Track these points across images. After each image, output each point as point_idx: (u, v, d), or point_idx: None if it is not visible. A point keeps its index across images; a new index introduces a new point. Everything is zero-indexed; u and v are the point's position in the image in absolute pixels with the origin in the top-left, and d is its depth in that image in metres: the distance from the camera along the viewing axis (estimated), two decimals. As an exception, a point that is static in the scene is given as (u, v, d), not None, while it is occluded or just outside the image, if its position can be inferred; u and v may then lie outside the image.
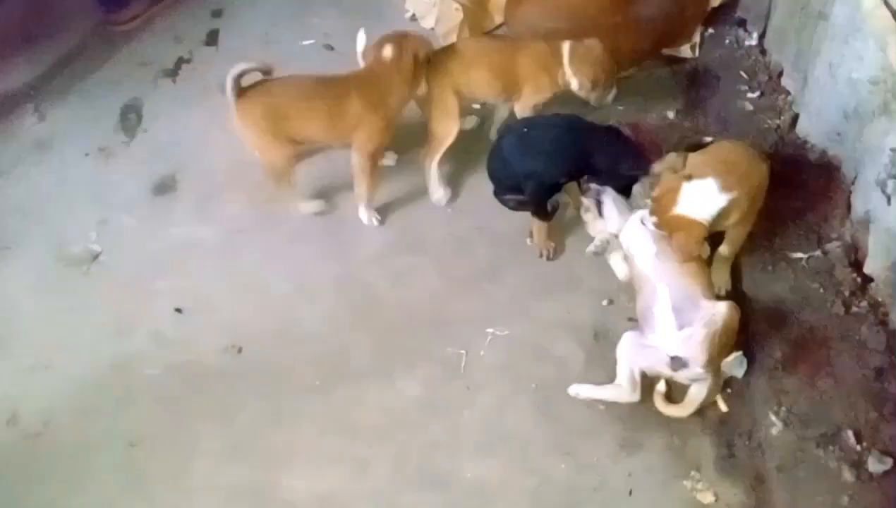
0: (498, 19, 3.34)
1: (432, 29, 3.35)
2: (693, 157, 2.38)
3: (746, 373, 2.31)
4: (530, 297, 2.64)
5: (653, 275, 2.35)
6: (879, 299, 2.36)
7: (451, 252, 2.79)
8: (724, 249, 2.47)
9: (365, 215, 2.86)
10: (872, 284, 2.39)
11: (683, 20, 3.12)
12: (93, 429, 2.49)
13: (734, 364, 2.29)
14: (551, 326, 2.56)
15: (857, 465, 2.09)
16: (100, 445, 2.45)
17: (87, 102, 3.36)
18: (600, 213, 2.59)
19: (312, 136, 2.78)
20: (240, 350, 2.60)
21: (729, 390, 2.34)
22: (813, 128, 2.72)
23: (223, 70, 3.34)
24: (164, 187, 3.06)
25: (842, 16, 2.42)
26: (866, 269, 2.41)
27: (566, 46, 2.73)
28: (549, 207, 2.68)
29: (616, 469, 2.26)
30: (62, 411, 2.53)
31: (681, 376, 2.27)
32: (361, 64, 2.81)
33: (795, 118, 2.82)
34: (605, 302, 2.59)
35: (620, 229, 2.54)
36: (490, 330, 2.57)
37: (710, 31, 3.20)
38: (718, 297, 2.36)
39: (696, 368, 2.20)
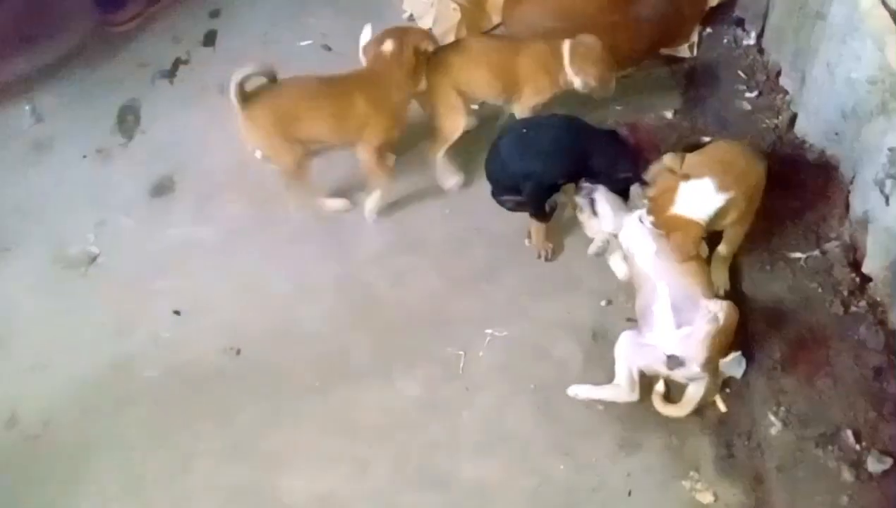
0: (496, 19, 3.34)
1: (430, 29, 3.34)
2: (690, 157, 2.38)
3: (745, 373, 2.31)
4: (529, 298, 2.64)
5: (653, 274, 2.35)
6: (878, 299, 2.36)
7: (449, 252, 2.79)
8: (722, 249, 2.47)
9: (372, 205, 2.84)
10: (871, 284, 2.39)
11: (681, 19, 3.11)
12: (92, 430, 2.49)
13: (733, 364, 2.30)
14: (550, 327, 2.56)
15: (857, 465, 2.10)
16: (99, 446, 2.45)
17: (84, 103, 3.35)
18: (594, 212, 2.59)
19: (320, 137, 2.77)
20: (238, 351, 2.60)
21: (728, 390, 2.34)
22: (811, 128, 2.72)
23: (221, 71, 3.35)
24: (163, 188, 3.06)
25: (840, 15, 2.42)
26: (865, 269, 2.41)
27: (566, 47, 2.73)
28: (546, 208, 2.68)
29: (615, 470, 2.26)
30: (61, 412, 2.53)
31: (678, 375, 2.26)
32: (363, 60, 2.80)
33: (794, 118, 2.82)
34: (603, 303, 2.59)
35: (616, 226, 2.54)
36: (489, 330, 2.57)
37: (708, 30, 3.20)
38: (717, 297, 2.35)
39: (694, 367, 2.20)
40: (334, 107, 2.69)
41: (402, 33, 2.73)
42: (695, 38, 3.18)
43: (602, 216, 2.56)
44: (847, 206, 2.53)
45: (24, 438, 2.48)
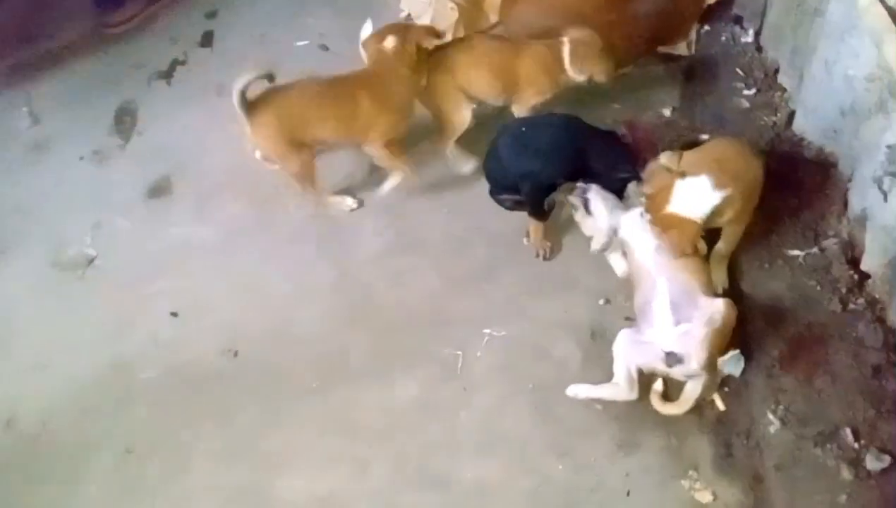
0: (493, 18, 3.33)
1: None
2: (687, 155, 2.38)
3: (744, 372, 2.31)
4: (527, 297, 2.64)
5: (652, 270, 2.35)
6: (877, 296, 2.36)
7: (448, 252, 2.79)
8: (720, 247, 2.46)
9: (389, 184, 2.86)
10: (870, 281, 2.39)
11: (679, 17, 3.11)
12: (91, 432, 2.49)
13: (731, 362, 2.30)
14: (548, 326, 2.55)
15: (856, 463, 2.09)
16: (98, 447, 2.45)
17: (81, 104, 3.36)
18: (588, 211, 2.58)
19: (328, 139, 2.78)
20: (236, 352, 2.60)
21: (726, 389, 2.34)
22: (809, 126, 2.72)
23: (218, 71, 3.37)
24: (160, 189, 3.06)
25: (837, 13, 2.41)
26: (863, 266, 2.41)
27: (566, 50, 2.75)
28: (545, 206, 2.68)
29: (614, 470, 2.25)
30: (60, 413, 2.53)
31: (676, 372, 2.26)
32: (363, 55, 2.79)
33: (792, 115, 2.81)
34: (601, 302, 2.58)
35: (612, 224, 2.53)
36: (487, 330, 2.56)
37: (706, 28, 3.19)
38: (716, 295, 2.35)
39: (693, 365, 2.20)
40: (340, 109, 2.69)
41: (403, 30, 2.73)
42: (692, 35, 3.18)
43: (597, 215, 2.55)
44: (845, 204, 2.52)
45: (23, 439, 2.48)
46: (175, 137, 3.21)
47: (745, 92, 2.95)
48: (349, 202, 2.90)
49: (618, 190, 2.59)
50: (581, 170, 2.60)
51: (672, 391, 2.33)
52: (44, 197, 3.07)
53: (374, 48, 2.72)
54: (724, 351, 2.26)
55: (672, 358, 2.21)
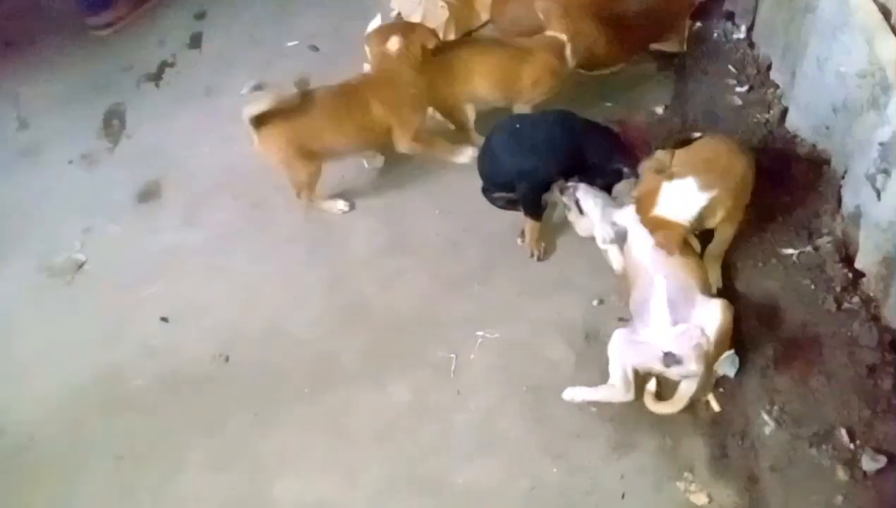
0: (484, 16, 3.32)
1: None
2: (676, 155, 2.36)
3: (738, 372, 2.28)
4: (520, 298, 2.62)
5: (650, 267, 2.33)
6: (871, 294, 2.34)
7: (441, 254, 2.77)
8: (713, 247, 2.45)
9: (464, 157, 2.86)
10: (864, 279, 2.37)
11: (670, 14, 3.09)
12: (82, 439, 2.48)
13: (726, 363, 2.27)
14: (542, 327, 2.53)
15: (851, 464, 2.07)
16: (87, 457, 2.44)
17: (70, 108, 3.34)
18: (580, 210, 2.57)
19: (344, 149, 2.80)
20: (227, 358, 2.58)
21: (721, 389, 2.32)
22: (802, 123, 2.70)
23: (207, 73, 3.35)
24: (149, 194, 3.04)
25: (829, 9, 2.40)
26: (857, 264, 2.39)
27: (569, 50, 2.77)
28: (542, 205, 2.66)
29: (608, 472, 2.24)
30: (50, 421, 2.52)
31: (672, 373, 2.24)
32: (367, 50, 2.79)
33: (785, 112, 2.79)
34: (595, 303, 2.56)
35: (605, 221, 2.51)
36: (480, 332, 2.54)
37: (698, 24, 3.18)
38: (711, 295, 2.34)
39: (691, 365, 2.18)
40: (353, 118, 2.69)
41: (407, 30, 2.71)
42: (684, 32, 3.15)
43: (589, 213, 2.54)
44: (839, 201, 2.51)
45: (12, 448, 2.47)
46: (164, 140, 3.19)
47: (738, 89, 2.94)
48: (340, 205, 2.88)
49: (612, 183, 2.58)
50: (577, 165, 2.58)
51: (666, 390, 2.32)
52: (32, 201, 3.06)
53: (377, 50, 2.69)
54: (721, 352, 2.24)
55: (670, 359, 2.19)
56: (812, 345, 2.28)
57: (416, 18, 3.31)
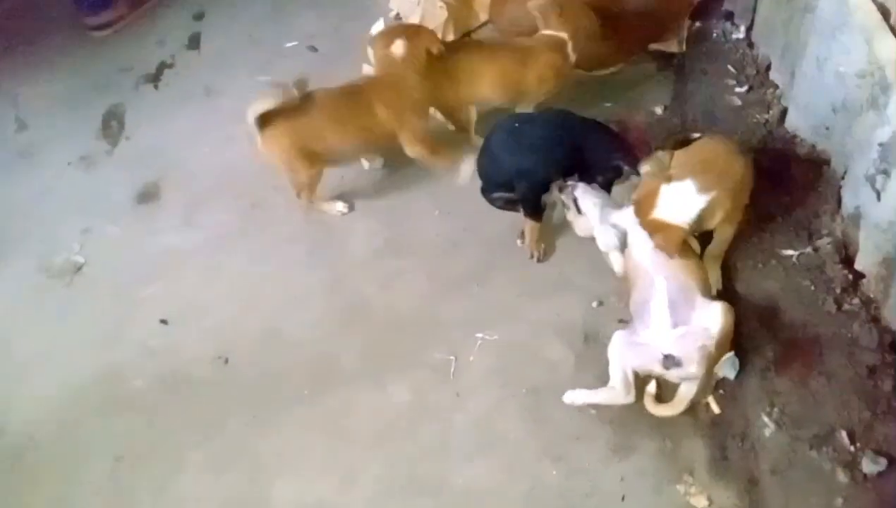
0: (483, 17, 3.31)
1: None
2: (675, 157, 2.36)
3: (738, 374, 2.28)
4: (520, 299, 2.62)
5: (651, 269, 2.33)
6: (871, 295, 2.33)
7: (439, 254, 2.76)
8: (712, 248, 2.44)
9: (464, 175, 2.84)
10: (864, 280, 2.36)
11: (670, 14, 3.08)
12: (81, 440, 2.48)
13: (726, 364, 2.27)
14: (541, 329, 2.53)
15: (851, 466, 2.06)
16: (87, 457, 2.44)
17: (68, 110, 3.34)
18: (579, 210, 2.56)
19: (348, 151, 2.80)
20: (227, 360, 2.58)
21: (721, 391, 2.31)
22: (802, 123, 2.69)
23: (206, 74, 3.34)
24: (148, 195, 3.04)
25: (828, 9, 2.39)
26: (857, 265, 2.38)
27: (570, 46, 2.76)
28: (543, 205, 2.65)
29: (608, 474, 2.23)
30: (48, 424, 2.51)
31: (672, 375, 2.24)
32: (370, 53, 2.78)
33: (784, 112, 2.78)
34: (595, 304, 2.56)
35: (603, 220, 2.51)
36: (479, 334, 2.54)
37: (698, 24, 3.17)
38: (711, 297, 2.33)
39: (691, 368, 2.18)
40: (357, 120, 2.69)
41: (412, 34, 2.70)
42: (684, 32, 3.15)
43: (587, 213, 2.53)
44: (839, 202, 2.50)
45: (12, 448, 2.47)
46: (163, 141, 3.19)
47: (738, 89, 2.93)
48: (340, 207, 2.88)
49: (612, 180, 2.58)
50: (576, 163, 2.58)
51: (666, 392, 2.31)
52: (31, 203, 3.05)
53: (382, 53, 2.68)
54: (722, 355, 2.23)
55: (670, 361, 2.18)
56: (812, 347, 2.27)
57: (414, 19, 3.31)
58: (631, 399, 2.30)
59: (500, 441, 2.34)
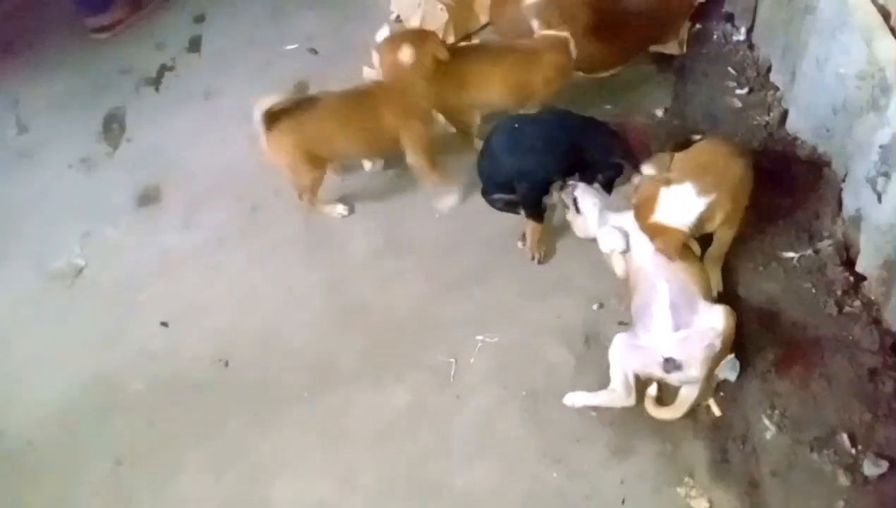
0: (483, 19, 3.31)
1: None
2: (675, 159, 2.35)
3: (739, 376, 2.28)
4: (520, 301, 2.61)
5: (652, 271, 2.32)
6: (872, 298, 2.33)
7: (439, 255, 2.76)
8: (712, 250, 2.44)
9: (444, 204, 2.85)
10: (865, 283, 2.36)
11: (670, 16, 3.08)
12: (80, 443, 2.47)
13: (727, 367, 2.26)
14: (541, 331, 2.52)
15: (852, 469, 2.06)
16: (86, 461, 2.44)
17: (69, 112, 3.34)
18: (578, 209, 2.56)
19: (352, 154, 2.80)
20: (227, 363, 2.58)
21: (722, 393, 2.30)
22: (802, 125, 2.69)
23: (207, 76, 3.34)
24: (149, 197, 3.04)
25: (828, 9, 2.38)
26: (858, 268, 2.38)
27: (571, 44, 2.76)
28: (543, 206, 2.65)
29: (608, 477, 2.23)
30: (48, 426, 2.51)
31: (673, 378, 2.23)
32: (375, 59, 2.77)
33: (785, 114, 2.78)
34: (595, 306, 2.55)
35: (601, 222, 2.50)
36: (480, 336, 2.53)
37: (698, 26, 3.16)
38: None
39: (692, 372, 2.17)
40: (363, 125, 2.68)
41: (419, 40, 2.67)
42: (684, 34, 3.14)
43: (586, 213, 2.53)
44: (840, 204, 2.49)
45: (12, 451, 2.47)
46: (164, 144, 3.19)
47: (738, 91, 2.92)
48: (340, 209, 2.88)
49: (613, 179, 2.58)
50: (577, 163, 2.58)
51: (667, 395, 2.30)
52: (31, 206, 3.05)
53: (390, 60, 2.67)
54: (723, 358, 2.23)
55: (670, 364, 2.18)
56: (813, 349, 2.27)
57: (415, 20, 3.31)
58: (631, 402, 2.29)
59: (499, 443, 2.33)
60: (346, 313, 2.66)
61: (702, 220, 2.28)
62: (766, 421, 2.18)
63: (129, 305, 2.74)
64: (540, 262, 2.70)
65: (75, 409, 2.53)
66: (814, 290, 2.39)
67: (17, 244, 2.94)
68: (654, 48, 3.14)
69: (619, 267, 2.54)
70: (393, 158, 2.92)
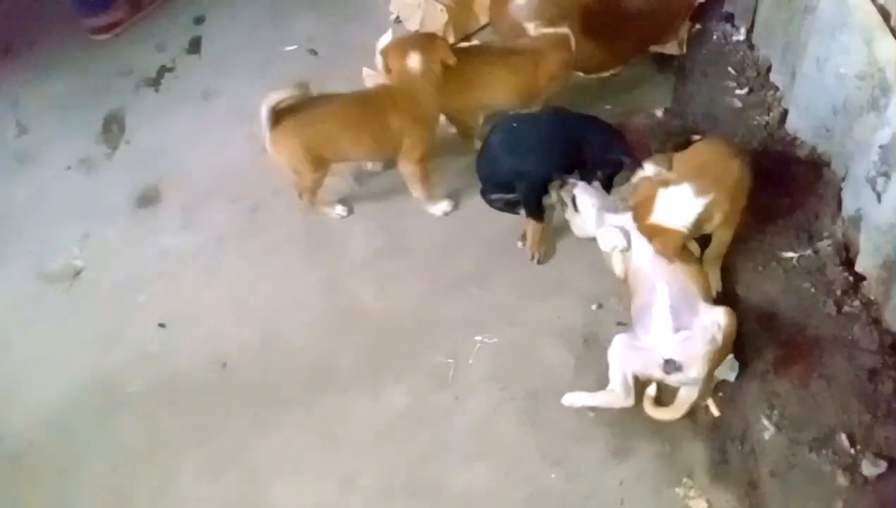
0: (483, 19, 3.31)
1: (417, 31, 3.31)
2: (674, 159, 2.35)
3: (738, 376, 2.28)
4: (519, 302, 2.61)
5: (652, 273, 2.32)
6: (872, 298, 2.32)
7: (439, 256, 2.76)
8: (711, 250, 2.44)
9: (436, 209, 2.84)
10: (865, 283, 2.35)
11: (670, 16, 3.08)
12: (78, 446, 2.47)
13: (726, 367, 2.26)
14: (540, 332, 2.52)
15: (851, 469, 2.05)
16: (85, 462, 2.44)
17: (68, 113, 3.34)
18: (576, 208, 2.55)
19: (355, 156, 2.80)
20: (224, 364, 2.58)
21: (720, 394, 2.31)
22: (802, 125, 2.68)
23: (207, 78, 3.34)
24: (148, 198, 3.04)
25: (828, 9, 2.38)
26: (858, 268, 2.37)
27: (573, 41, 2.76)
28: (543, 206, 2.65)
29: (607, 477, 2.23)
30: (47, 428, 2.51)
31: (672, 379, 2.23)
32: (378, 63, 2.77)
33: (785, 114, 2.77)
34: (594, 307, 2.55)
35: (599, 222, 2.50)
36: (478, 337, 2.53)
37: (698, 26, 3.15)
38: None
39: (692, 373, 2.17)
40: (369, 128, 2.67)
41: (426, 46, 2.66)
42: (684, 34, 3.14)
43: (584, 212, 2.52)
44: (839, 204, 2.49)
45: (10, 453, 2.46)
46: (163, 145, 3.19)
47: (738, 91, 2.91)
48: (339, 210, 2.88)
49: (613, 175, 2.58)
50: (576, 161, 2.57)
51: (665, 396, 2.30)
52: (30, 207, 3.05)
53: (398, 66, 2.66)
54: (723, 359, 2.22)
55: (670, 366, 2.18)
56: (812, 349, 2.27)
57: (414, 21, 3.31)
58: (630, 402, 2.29)
59: (499, 444, 2.33)
60: (345, 314, 2.66)
61: (700, 221, 2.28)
62: (765, 422, 2.17)
63: (127, 307, 2.74)
64: (539, 262, 2.70)
65: (75, 409, 2.53)
66: (813, 290, 2.38)
67: (17, 245, 2.94)
68: (654, 48, 3.14)
69: (618, 266, 2.54)
70: (393, 160, 2.92)
